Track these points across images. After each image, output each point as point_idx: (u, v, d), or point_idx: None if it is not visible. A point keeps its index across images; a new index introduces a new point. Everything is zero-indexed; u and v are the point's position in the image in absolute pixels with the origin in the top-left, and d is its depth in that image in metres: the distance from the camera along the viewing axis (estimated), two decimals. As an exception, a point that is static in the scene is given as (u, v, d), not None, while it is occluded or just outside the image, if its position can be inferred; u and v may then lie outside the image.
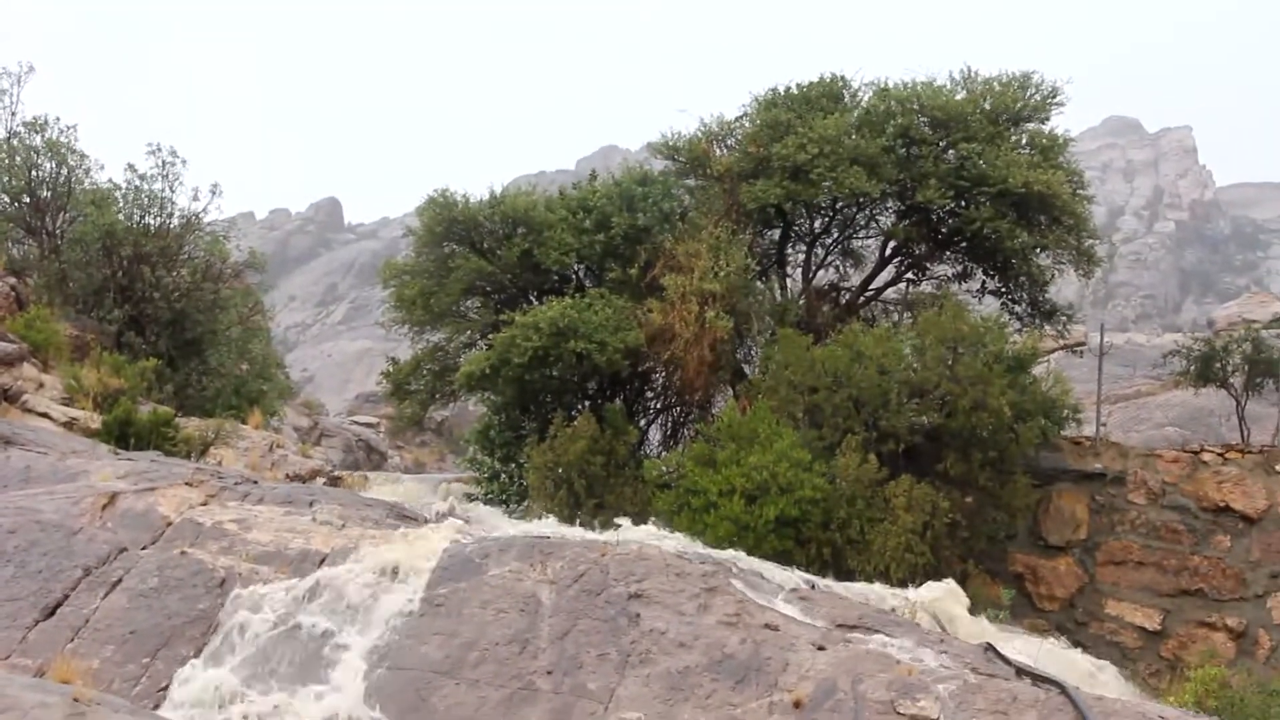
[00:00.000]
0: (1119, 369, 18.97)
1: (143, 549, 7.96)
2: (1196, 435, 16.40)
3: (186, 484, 8.67)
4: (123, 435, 11.03)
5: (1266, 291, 39.72)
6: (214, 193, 16.76)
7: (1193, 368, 15.29)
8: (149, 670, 7.14)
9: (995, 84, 15.71)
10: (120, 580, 7.64)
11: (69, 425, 11.03)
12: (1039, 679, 7.47)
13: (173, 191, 16.43)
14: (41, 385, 11.62)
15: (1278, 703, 8.53)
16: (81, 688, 6.75)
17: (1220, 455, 12.70)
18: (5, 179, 16.55)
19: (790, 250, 16.50)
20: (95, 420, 11.22)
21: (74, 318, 14.81)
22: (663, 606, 7.66)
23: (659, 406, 14.46)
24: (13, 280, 14.98)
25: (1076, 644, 10.37)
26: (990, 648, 7.87)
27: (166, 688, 7.06)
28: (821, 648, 7.56)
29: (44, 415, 10.89)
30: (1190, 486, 12.54)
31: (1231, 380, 15.08)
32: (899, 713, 7.44)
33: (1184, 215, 64.08)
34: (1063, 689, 7.33)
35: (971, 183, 14.59)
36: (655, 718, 7.27)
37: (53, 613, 7.42)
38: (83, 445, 9.87)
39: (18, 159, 16.56)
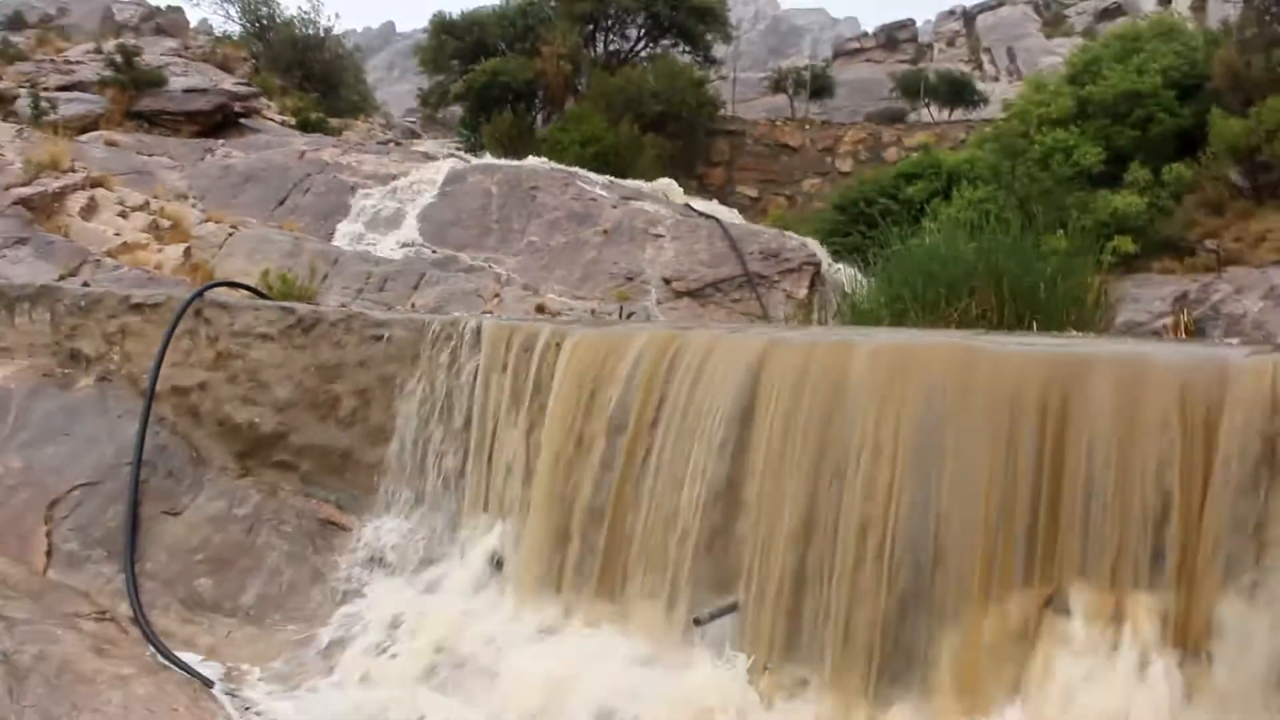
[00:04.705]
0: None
1: (317, 174, 17.21)
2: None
3: (334, 146, 17.87)
4: (304, 124, 20.52)
5: None
6: None
7: None
8: (326, 227, 16.58)
9: None
10: (309, 189, 16.95)
11: (283, 122, 20.50)
12: (707, 216, 16.61)
13: None
14: (269, 106, 21.06)
15: (810, 218, 17.82)
16: (298, 232, 16.16)
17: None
18: None
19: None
20: (292, 120, 20.68)
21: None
22: (545, 191, 16.84)
23: (541, 108, 24.03)
24: None
25: (724, 203, 19.55)
26: (688, 205, 17.00)
27: (332, 234, 16.49)
28: (616, 207, 16.74)
29: (269, 119, 20.27)
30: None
31: None
32: (649, 233, 16.67)
33: None
34: (719, 221, 16.40)
35: None
36: (543, 238, 16.59)
37: (283, 202, 16.82)
38: (286, 131, 19.34)
39: None
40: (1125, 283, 13.23)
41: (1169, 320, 12.37)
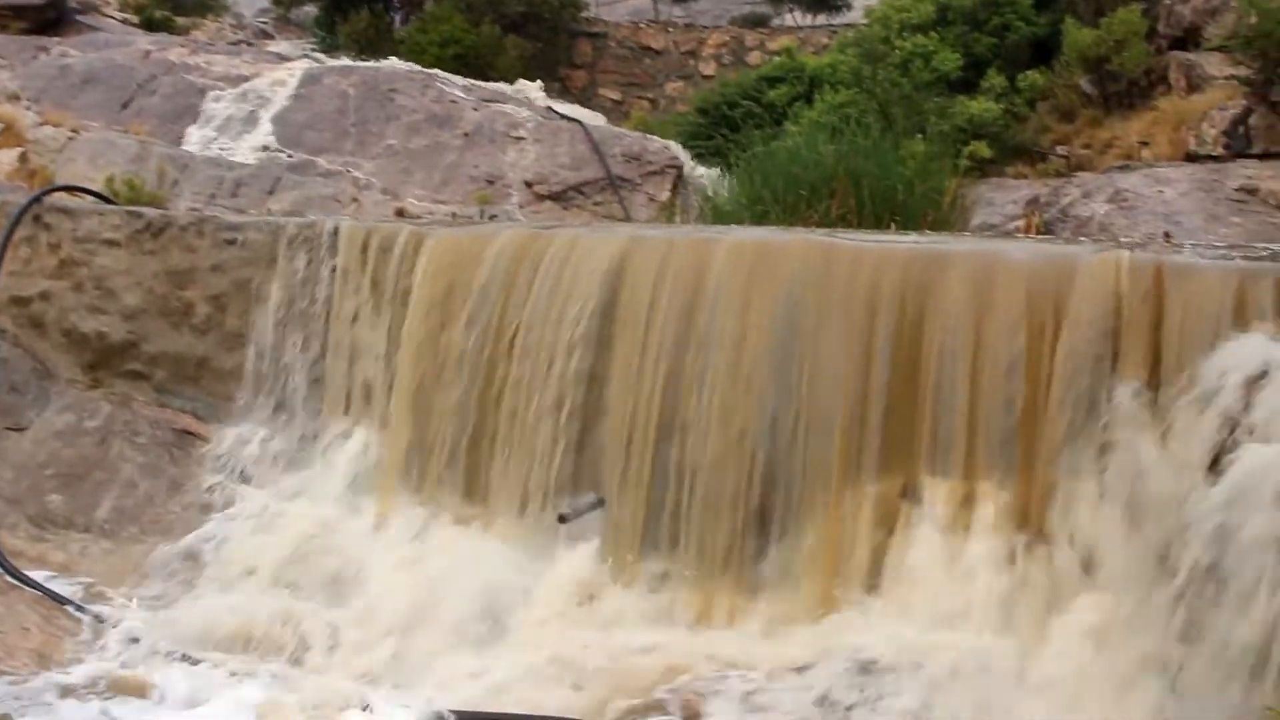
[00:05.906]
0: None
1: (164, 76, 16.44)
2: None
3: (181, 46, 17.08)
4: (148, 23, 19.47)
5: None
6: None
7: None
8: (175, 131, 15.89)
9: None
10: (156, 91, 16.20)
11: (124, 20, 19.36)
12: (570, 119, 16.41)
13: None
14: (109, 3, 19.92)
15: (673, 121, 17.88)
16: (144, 136, 15.50)
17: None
18: None
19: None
20: (134, 18, 19.58)
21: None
22: (404, 94, 16.41)
23: (399, 8, 23.14)
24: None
25: (587, 106, 19.44)
26: (550, 108, 16.81)
27: (181, 139, 15.82)
28: (476, 110, 16.42)
29: (108, 16, 19.17)
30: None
31: None
32: (511, 136, 16.43)
33: None
34: (581, 124, 16.24)
35: None
36: (402, 142, 16.21)
37: (127, 105, 16.07)
38: (128, 29, 18.30)
39: None
40: (980, 186, 13.49)
41: (1021, 222, 12.68)
